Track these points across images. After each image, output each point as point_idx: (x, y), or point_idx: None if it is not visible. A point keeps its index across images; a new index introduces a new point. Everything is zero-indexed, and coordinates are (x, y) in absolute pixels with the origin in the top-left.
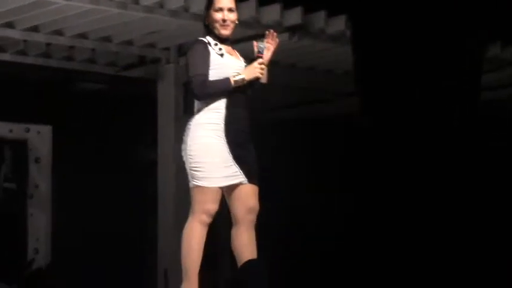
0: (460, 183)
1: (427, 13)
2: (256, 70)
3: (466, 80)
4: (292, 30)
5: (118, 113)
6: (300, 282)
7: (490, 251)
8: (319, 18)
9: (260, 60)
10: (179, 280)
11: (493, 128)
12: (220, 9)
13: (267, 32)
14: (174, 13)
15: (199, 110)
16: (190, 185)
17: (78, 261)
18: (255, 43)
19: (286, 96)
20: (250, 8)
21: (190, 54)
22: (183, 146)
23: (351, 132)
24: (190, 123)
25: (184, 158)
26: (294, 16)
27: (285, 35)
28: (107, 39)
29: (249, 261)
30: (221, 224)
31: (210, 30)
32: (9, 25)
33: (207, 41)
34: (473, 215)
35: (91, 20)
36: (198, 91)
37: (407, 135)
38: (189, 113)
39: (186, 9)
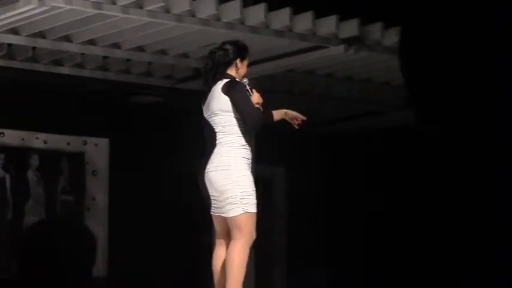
0: None
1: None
2: None
3: None
4: (348, 42)
5: (174, 125)
6: None
7: None
8: (375, 30)
9: None
10: None
11: None
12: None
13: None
14: (230, 25)
15: (232, 143)
16: (237, 212)
17: (135, 273)
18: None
19: (343, 109)
20: (306, 20)
21: (237, 90)
22: (226, 175)
23: (408, 144)
24: (230, 155)
25: (225, 186)
26: (350, 28)
27: (341, 47)
28: (164, 52)
29: None
30: (276, 236)
31: (227, 74)
32: (67, 38)
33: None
34: None
35: (147, 33)
36: (257, 124)
37: (474, 140)
38: None
39: (242, 21)
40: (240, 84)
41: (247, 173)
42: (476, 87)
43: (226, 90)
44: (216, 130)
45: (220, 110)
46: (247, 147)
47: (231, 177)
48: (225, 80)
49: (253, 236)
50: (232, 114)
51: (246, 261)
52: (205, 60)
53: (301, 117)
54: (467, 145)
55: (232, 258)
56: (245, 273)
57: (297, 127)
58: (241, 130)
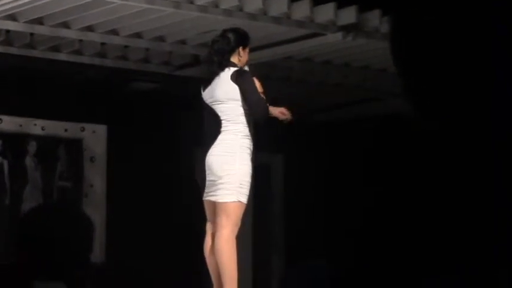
0: None
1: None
2: None
3: None
4: (346, 29)
5: (172, 112)
6: None
7: None
8: (373, 17)
9: None
10: None
11: None
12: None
13: None
14: (228, 12)
15: (238, 132)
16: (230, 199)
17: (132, 260)
18: None
19: (340, 96)
20: (304, 7)
21: (247, 79)
22: (229, 161)
23: (405, 131)
24: (236, 143)
25: (225, 172)
26: (348, 15)
27: (339, 35)
28: (161, 38)
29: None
30: (274, 224)
31: (231, 62)
32: (65, 25)
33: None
34: None
35: (145, 19)
36: (264, 115)
37: (472, 136)
38: None
39: (240, 8)
40: (248, 73)
41: (249, 163)
42: (474, 81)
43: (235, 78)
44: (222, 118)
45: (227, 98)
46: (250, 138)
47: (234, 164)
48: (233, 69)
49: (239, 225)
50: (240, 103)
51: (235, 249)
52: (207, 49)
53: (287, 114)
54: (466, 139)
55: (220, 249)
56: (235, 261)
57: (284, 122)
58: (246, 120)
